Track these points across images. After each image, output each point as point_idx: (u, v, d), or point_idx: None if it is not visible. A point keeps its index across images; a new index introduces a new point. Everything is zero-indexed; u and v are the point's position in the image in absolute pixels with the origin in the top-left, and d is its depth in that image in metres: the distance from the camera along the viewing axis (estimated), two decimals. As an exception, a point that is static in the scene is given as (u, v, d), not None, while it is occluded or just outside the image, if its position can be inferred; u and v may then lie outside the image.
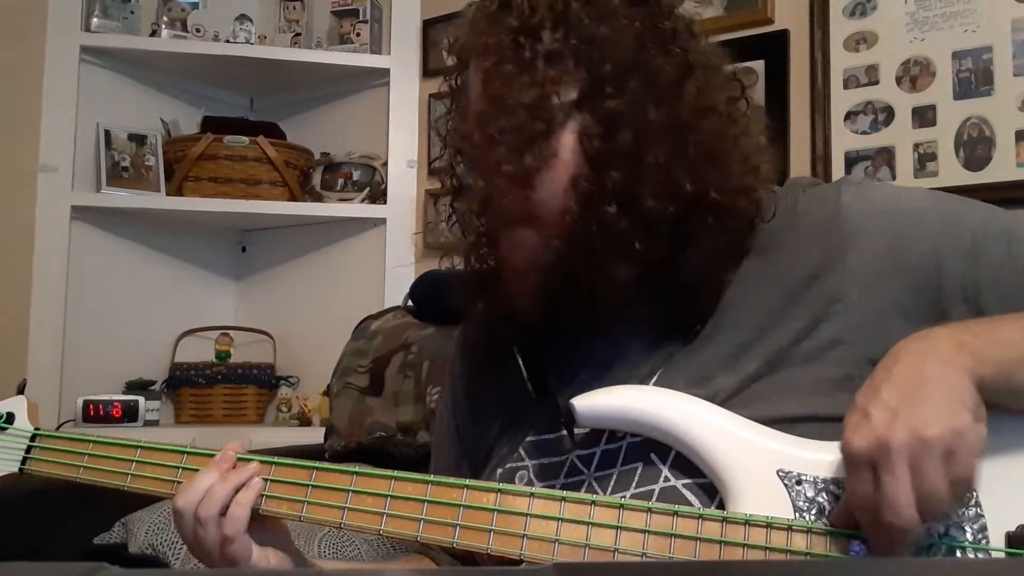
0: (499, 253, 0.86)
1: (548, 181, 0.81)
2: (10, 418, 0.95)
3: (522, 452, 0.90)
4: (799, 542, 0.71)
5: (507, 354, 0.92)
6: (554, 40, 0.81)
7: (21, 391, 0.98)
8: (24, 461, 0.94)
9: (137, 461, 0.88)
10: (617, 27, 0.82)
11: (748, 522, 0.72)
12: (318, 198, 2.71)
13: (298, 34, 2.75)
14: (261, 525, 0.85)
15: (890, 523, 0.66)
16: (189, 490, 0.83)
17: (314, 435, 2.01)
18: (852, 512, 0.70)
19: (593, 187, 0.80)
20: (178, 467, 0.88)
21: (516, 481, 0.88)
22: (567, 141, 0.81)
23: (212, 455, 0.87)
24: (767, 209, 0.87)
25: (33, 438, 0.95)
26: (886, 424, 0.67)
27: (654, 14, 0.84)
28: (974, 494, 0.71)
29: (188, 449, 0.88)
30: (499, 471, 0.91)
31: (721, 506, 0.75)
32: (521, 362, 0.91)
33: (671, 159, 0.80)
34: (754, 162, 0.86)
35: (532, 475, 0.88)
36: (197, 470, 0.86)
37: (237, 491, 0.83)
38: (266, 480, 0.84)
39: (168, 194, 2.61)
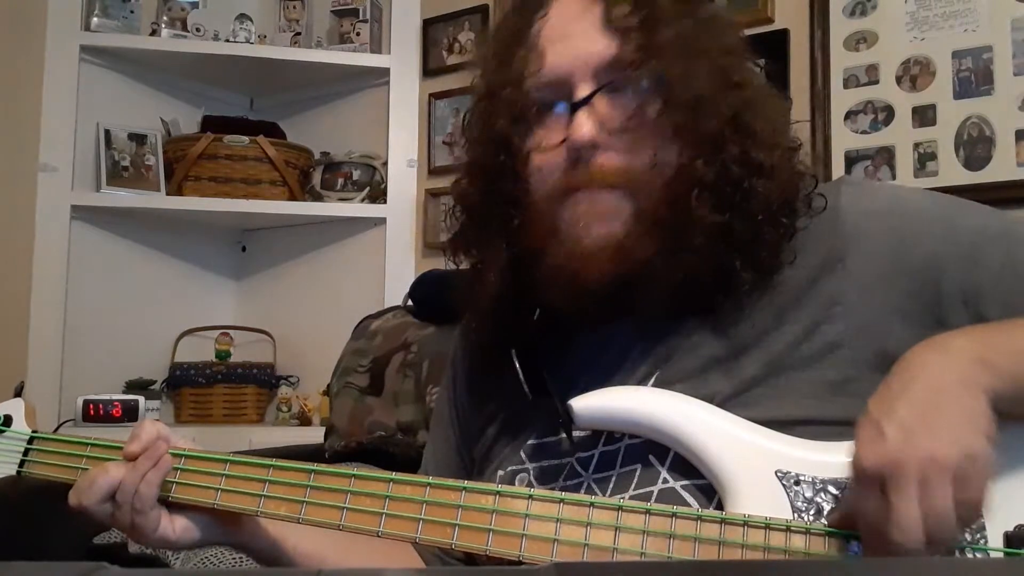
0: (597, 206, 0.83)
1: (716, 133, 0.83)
2: (7, 420, 0.95)
3: (523, 455, 0.90)
4: (798, 542, 0.71)
5: (506, 357, 0.92)
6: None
7: (19, 393, 0.98)
8: (22, 464, 0.94)
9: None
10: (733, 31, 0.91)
11: (746, 523, 0.72)
12: (318, 198, 2.71)
13: (298, 33, 2.75)
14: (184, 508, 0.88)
15: (897, 542, 0.65)
16: (100, 481, 0.86)
17: (314, 435, 2.01)
18: (853, 519, 0.70)
19: (736, 150, 0.83)
20: (177, 468, 0.87)
21: (517, 484, 0.88)
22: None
23: (208, 458, 0.87)
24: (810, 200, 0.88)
25: (31, 440, 0.94)
26: (900, 444, 0.66)
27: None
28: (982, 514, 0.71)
29: (186, 452, 0.88)
30: (500, 473, 0.91)
31: (719, 507, 0.75)
32: (518, 365, 0.90)
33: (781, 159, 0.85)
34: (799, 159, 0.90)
35: (533, 478, 0.88)
36: (195, 472, 0.87)
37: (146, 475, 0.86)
38: (264, 481, 0.84)
39: (168, 194, 2.61)
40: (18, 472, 0.94)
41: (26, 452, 0.94)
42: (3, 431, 0.95)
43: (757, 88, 0.88)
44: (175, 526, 0.87)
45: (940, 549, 0.67)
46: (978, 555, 0.70)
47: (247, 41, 2.64)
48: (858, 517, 0.69)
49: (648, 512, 0.74)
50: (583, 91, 0.83)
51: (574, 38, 0.85)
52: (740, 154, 0.82)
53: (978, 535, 0.71)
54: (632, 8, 0.84)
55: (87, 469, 0.89)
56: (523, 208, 0.87)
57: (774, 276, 0.85)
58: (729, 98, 0.84)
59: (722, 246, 0.82)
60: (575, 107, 0.83)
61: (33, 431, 0.95)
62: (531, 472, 0.88)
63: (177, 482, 0.87)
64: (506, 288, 0.90)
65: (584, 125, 0.82)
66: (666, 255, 0.81)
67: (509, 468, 0.90)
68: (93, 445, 0.91)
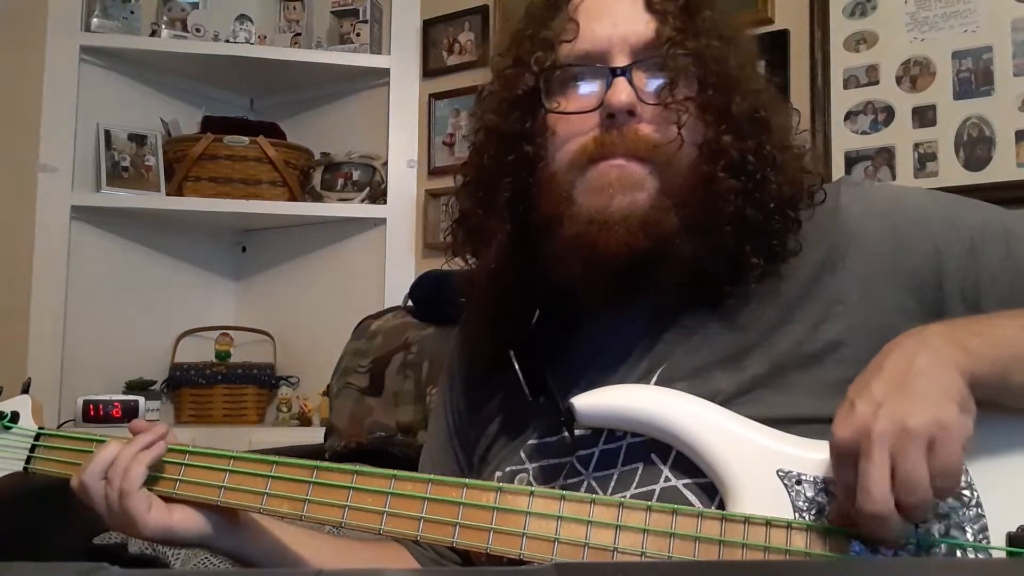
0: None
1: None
2: (15, 417, 0.96)
3: (523, 455, 0.90)
4: (798, 541, 0.71)
5: (504, 357, 0.92)
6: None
7: (26, 390, 0.99)
8: (28, 460, 0.95)
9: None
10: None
11: (748, 521, 0.72)
12: (318, 198, 2.71)
13: (298, 34, 2.75)
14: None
15: (868, 510, 0.66)
16: (99, 455, 0.86)
17: (314, 435, 2.01)
18: (840, 502, 0.70)
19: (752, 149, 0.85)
20: (181, 464, 0.88)
21: (516, 484, 0.87)
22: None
23: (212, 454, 0.87)
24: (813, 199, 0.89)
25: (37, 437, 0.95)
26: (870, 415, 0.67)
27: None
28: (975, 494, 0.71)
29: (190, 448, 0.88)
30: (499, 474, 0.91)
31: (721, 506, 0.75)
32: (517, 365, 0.90)
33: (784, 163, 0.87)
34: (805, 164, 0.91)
35: (532, 478, 0.88)
36: (199, 468, 0.87)
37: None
38: (267, 478, 0.84)
39: (168, 194, 2.61)
40: (25, 468, 0.94)
41: (33, 448, 0.95)
42: (10, 427, 0.95)
43: (771, 94, 0.90)
44: (172, 513, 0.87)
45: (918, 517, 0.67)
46: (981, 555, 0.70)
47: (247, 41, 2.64)
48: (838, 495, 0.69)
49: (649, 510, 0.74)
50: (621, 63, 0.85)
51: (615, 16, 0.87)
52: (756, 146, 0.84)
53: (981, 536, 0.71)
54: None
55: None
56: (540, 175, 0.87)
57: (778, 270, 0.85)
58: (750, 95, 0.85)
59: (736, 231, 0.83)
60: (614, 74, 0.84)
61: (40, 428, 0.96)
62: (531, 472, 0.88)
63: (181, 479, 0.87)
64: (510, 274, 0.90)
65: (623, 91, 0.83)
66: (686, 233, 0.82)
67: (508, 468, 0.90)
68: (99, 441, 0.92)
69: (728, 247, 0.84)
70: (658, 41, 0.85)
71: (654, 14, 0.86)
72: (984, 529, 0.71)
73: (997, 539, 0.70)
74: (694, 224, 0.82)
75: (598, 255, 0.82)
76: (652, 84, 0.85)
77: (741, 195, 0.83)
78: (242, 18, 2.65)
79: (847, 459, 0.68)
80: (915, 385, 0.68)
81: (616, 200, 0.82)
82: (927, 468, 0.65)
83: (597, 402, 0.80)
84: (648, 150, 0.83)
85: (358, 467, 0.82)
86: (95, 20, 2.56)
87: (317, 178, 2.74)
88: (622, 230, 0.81)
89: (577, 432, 0.84)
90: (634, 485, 0.80)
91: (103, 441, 0.91)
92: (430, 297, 1.76)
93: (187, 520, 0.87)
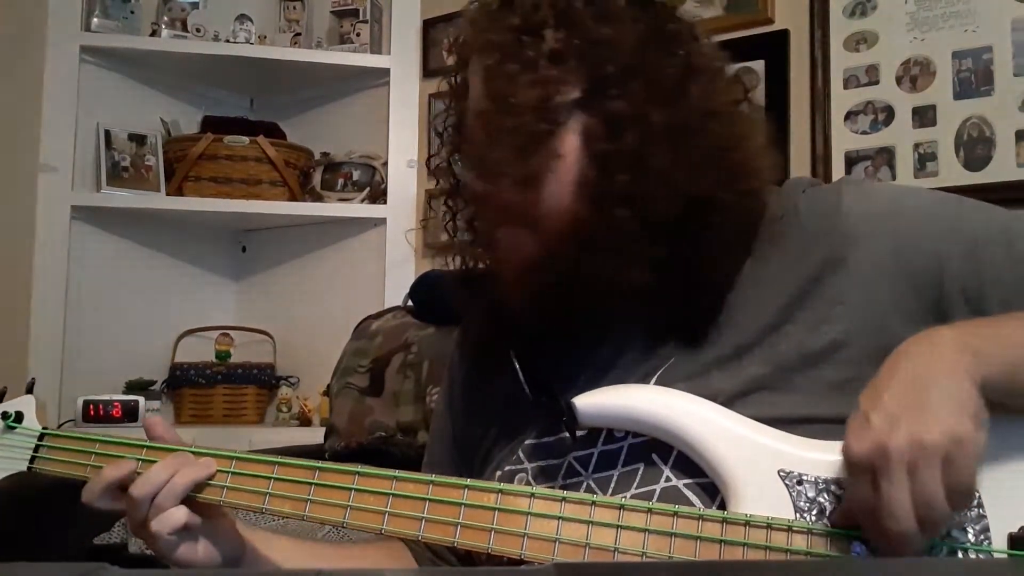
0: (496, 253, 0.86)
1: (552, 182, 0.80)
2: (19, 417, 0.95)
3: (521, 455, 0.90)
4: (799, 542, 0.71)
5: (505, 356, 0.92)
6: (556, 39, 0.80)
7: (30, 390, 0.99)
8: (32, 460, 0.94)
9: (143, 460, 0.88)
10: (620, 28, 0.80)
11: (748, 522, 0.72)
12: (318, 198, 2.71)
13: (298, 34, 2.75)
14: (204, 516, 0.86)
15: (889, 528, 0.66)
16: (153, 477, 0.84)
17: (314, 435, 2.01)
18: (853, 514, 0.70)
19: (600, 189, 0.79)
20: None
21: (515, 483, 0.87)
22: (571, 142, 0.79)
23: (216, 455, 0.87)
24: (772, 210, 0.88)
25: (41, 437, 0.95)
26: (886, 430, 0.66)
27: (658, 16, 0.84)
28: (976, 495, 0.71)
29: (193, 449, 0.88)
30: (498, 474, 0.91)
31: (722, 506, 0.75)
32: (517, 365, 0.90)
33: (676, 161, 0.79)
34: (757, 164, 0.86)
35: (531, 477, 0.88)
36: None
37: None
38: (269, 479, 0.84)
39: (168, 194, 2.61)
40: (28, 468, 0.94)
41: (36, 449, 0.94)
42: (14, 427, 0.95)
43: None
44: (197, 551, 0.86)
45: (935, 533, 0.67)
46: (982, 556, 0.70)
47: (247, 41, 2.64)
48: (853, 508, 0.69)
49: (650, 511, 0.74)
50: None
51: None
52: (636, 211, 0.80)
53: (982, 536, 0.71)
54: None
55: (97, 466, 0.90)
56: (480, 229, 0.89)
57: (771, 274, 0.85)
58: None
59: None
60: None
61: (44, 428, 0.96)
62: (529, 472, 0.88)
63: None
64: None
65: None
66: (575, 295, 0.82)
67: (507, 468, 0.90)
68: (102, 442, 0.91)
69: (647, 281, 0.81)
70: None
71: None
72: (986, 530, 0.71)
73: (999, 540, 0.70)
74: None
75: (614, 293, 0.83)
76: None
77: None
78: (242, 18, 2.65)
79: (863, 473, 0.67)
80: (930, 397, 0.67)
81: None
82: (942, 485, 0.65)
83: (598, 401, 0.80)
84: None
85: (360, 468, 0.82)
86: (95, 20, 2.56)
87: (317, 178, 2.74)
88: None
89: (577, 433, 0.84)
90: (635, 485, 0.80)
91: (107, 441, 0.91)
92: (430, 297, 1.76)
93: (209, 556, 0.87)
